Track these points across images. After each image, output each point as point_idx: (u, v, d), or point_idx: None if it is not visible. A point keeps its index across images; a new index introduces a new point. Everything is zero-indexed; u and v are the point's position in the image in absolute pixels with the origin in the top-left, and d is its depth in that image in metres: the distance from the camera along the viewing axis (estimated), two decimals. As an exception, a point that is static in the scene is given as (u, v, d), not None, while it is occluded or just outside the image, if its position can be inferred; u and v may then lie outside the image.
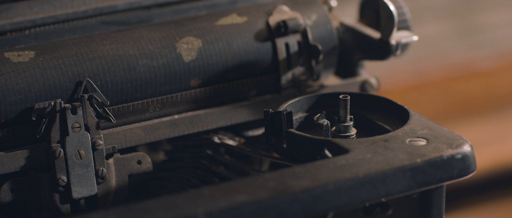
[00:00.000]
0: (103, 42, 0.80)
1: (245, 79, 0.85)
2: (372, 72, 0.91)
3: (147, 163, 0.81)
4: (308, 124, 0.81)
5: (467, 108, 2.02)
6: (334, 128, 0.77)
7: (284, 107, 0.79)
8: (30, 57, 0.78)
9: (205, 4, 0.88)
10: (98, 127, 0.77)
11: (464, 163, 0.70)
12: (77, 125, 0.76)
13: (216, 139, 0.83)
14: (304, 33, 0.86)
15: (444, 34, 1.95)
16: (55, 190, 0.77)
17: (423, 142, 0.71)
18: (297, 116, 0.81)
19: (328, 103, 0.81)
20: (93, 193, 0.78)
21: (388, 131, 0.75)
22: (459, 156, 0.70)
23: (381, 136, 0.73)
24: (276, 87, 0.86)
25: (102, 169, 0.78)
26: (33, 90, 0.77)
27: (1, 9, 0.82)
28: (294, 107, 0.80)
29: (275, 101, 0.84)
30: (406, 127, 0.74)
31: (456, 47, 1.97)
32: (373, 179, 0.67)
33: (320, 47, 0.86)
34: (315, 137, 0.74)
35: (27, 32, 0.82)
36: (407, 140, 0.71)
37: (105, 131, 0.79)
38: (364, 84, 0.89)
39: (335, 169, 0.68)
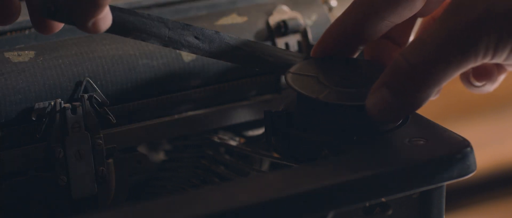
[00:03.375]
0: (103, 42, 0.80)
1: (245, 79, 0.84)
2: (372, 72, 0.91)
3: (147, 163, 0.81)
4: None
5: (467, 108, 2.01)
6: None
7: (283, 106, 0.79)
8: (30, 57, 0.78)
9: (205, 4, 0.88)
10: (98, 127, 0.77)
11: (464, 163, 0.70)
12: (77, 125, 0.76)
13: (216, 139, 0.83)
14: (304, 33, 0.86)
15: (444, 34, 1.95)
16: (55, 190, 0.77)
17: (423, 142, 0.71)
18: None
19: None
20: (93, 193, 0.78)
21: (388, 131, 0.75)
22: (459, 156, 0.70)
23: (381, 136, 0.73)
24: (276, 87, 0.86)
25: (102, 169, 0.78)
26: (33, 90, 0.77)
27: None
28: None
29: (275, 101, 0.84)
30: (406, 127, 0.74)
31: (456, 47, 1.97)
32: (373, 179, 0.67)
33: (320, 47, 0.86)
34: (315, 137, 0.74)
35: (27, 32, 0.82)
36: (407, 140, 0.71)
37: (105, 131, 0.79)
38: (364, 84, 0.89)
39: (335, 169, 0.68)
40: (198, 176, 0.81)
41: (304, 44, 0.86)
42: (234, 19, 0.85)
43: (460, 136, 0.72)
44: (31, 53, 0.78)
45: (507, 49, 0.68)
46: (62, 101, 0.77)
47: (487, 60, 0.68)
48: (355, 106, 0.72)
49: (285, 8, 0.87)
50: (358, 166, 0.68)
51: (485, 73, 0.79)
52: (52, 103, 0.76)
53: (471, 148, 0.70)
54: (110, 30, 0.71)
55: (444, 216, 0.73)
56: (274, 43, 0.85)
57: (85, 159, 0.77)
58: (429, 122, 0.74)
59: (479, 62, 0.68)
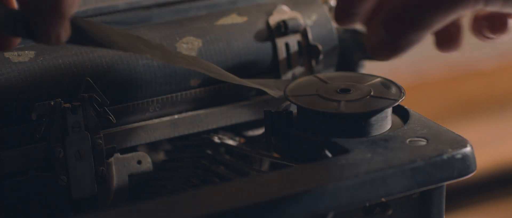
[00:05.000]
0: (103, 42, 0.80)
1: (245, 79, 0.84)
2: (372, 72, 0.91)
3: (147, 163, 0.81)
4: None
5: (467, 108, 2.02)
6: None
7: (284, 106, 0.79)
8: (30, 57, 0.78)
9: (205, 4, 0.88)
10: (98, 127, 0.77)
11: (464, 163, 0.70)
12: (77, 125, 0.76)
13: (216, 139, 0.83)
14: (304, 33, 0.86)
15: (444, 34, 1.95)
16: (55, 190, 0.77)
17: (423, 142, 0.71)
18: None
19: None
20: (93, 193, 0.78)
21: (388, 131, 0.75)
22: (459, 156, 0.70)
23: (381, 136, 0.73)
24: (276, 87, 0.86)
25: (102, 169, 0.78)
26: (33, 90, 0.77)
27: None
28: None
29: (275, 101, 0.84)
30: (406, 127, 0.74)
31: (456, 47, 1.97)
32: (373, 179, 0.67)
33: (320, 47, 0.86)
34: (315, 137, 0.74)
35: (27, 32, 0.82)
36: (407, 140, 0.71)
37: (105, 131, 0.79)
38: (364, 84, 0.89)
39: (335, 169, 0.68)
40: (198, 176, 0.81)
41: (304, 44, 0.86)
42: (234, 19, 0.85)
43: (460, 136, 0.72)
44: (31, 53, 0.78)
45: None
46: (62, 101, 0.76)
47: (480, 7, 0.69)
48: (342, 114, 0.72)
49: (285, 8, 0.87)
50: (358, 166, 0.68)
51: (497, 24, 0.79)
52: (52, 103, 0.76)
53: (471, 148, 0.70)
54: (69, 40, 0.67)
55: (444, 216, 0.73)
56: (274, 43, 0.85)
57: (85, 159, 0.77)
58: (429, 122, 0.74)
59: (470, 8, 0.69)
